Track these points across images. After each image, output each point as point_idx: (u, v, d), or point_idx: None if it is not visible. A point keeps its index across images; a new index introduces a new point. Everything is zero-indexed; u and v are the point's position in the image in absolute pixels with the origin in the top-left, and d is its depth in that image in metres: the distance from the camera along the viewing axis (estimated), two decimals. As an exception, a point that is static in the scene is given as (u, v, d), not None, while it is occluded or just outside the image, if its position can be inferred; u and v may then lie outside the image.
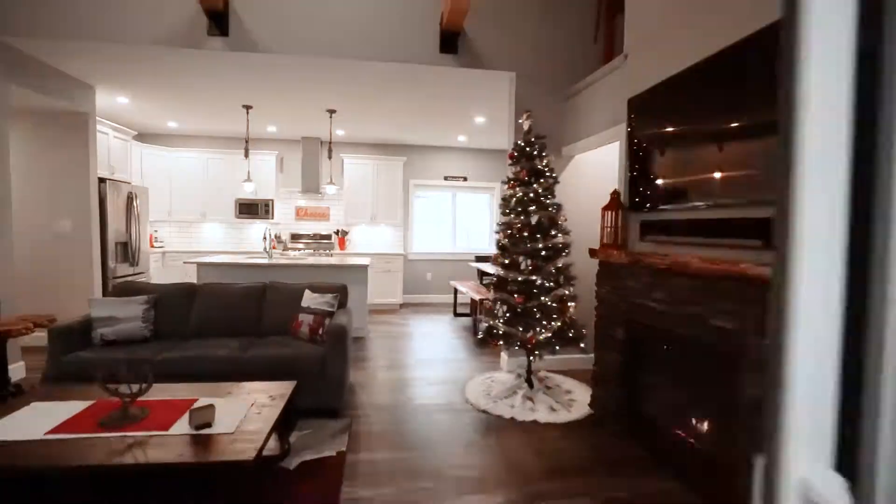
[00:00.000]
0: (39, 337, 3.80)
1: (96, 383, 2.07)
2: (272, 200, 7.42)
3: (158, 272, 6.87)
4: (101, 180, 5.18)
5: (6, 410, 2.27)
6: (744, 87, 2.09)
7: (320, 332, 3.43)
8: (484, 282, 6.74)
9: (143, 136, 7.32)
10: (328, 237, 7.83)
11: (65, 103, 4.58)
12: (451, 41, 4.07)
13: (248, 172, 6.76)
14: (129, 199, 5.69)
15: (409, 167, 8.05)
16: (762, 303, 1.97)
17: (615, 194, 3.22)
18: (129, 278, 5.67)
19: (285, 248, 7.45)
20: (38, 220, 4.84)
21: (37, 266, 4.88)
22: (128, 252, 5.69)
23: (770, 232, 1.94)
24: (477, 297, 5.61)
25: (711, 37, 2.31)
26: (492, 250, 8.42)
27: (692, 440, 2.61)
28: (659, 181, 2.84)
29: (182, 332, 3.57)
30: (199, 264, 5.20)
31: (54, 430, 1.99)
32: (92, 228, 4.94)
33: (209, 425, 2.05)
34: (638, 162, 3.02)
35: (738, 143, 2.15)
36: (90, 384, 2.31)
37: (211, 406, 2.09)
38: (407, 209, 8.12)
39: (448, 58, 4.11)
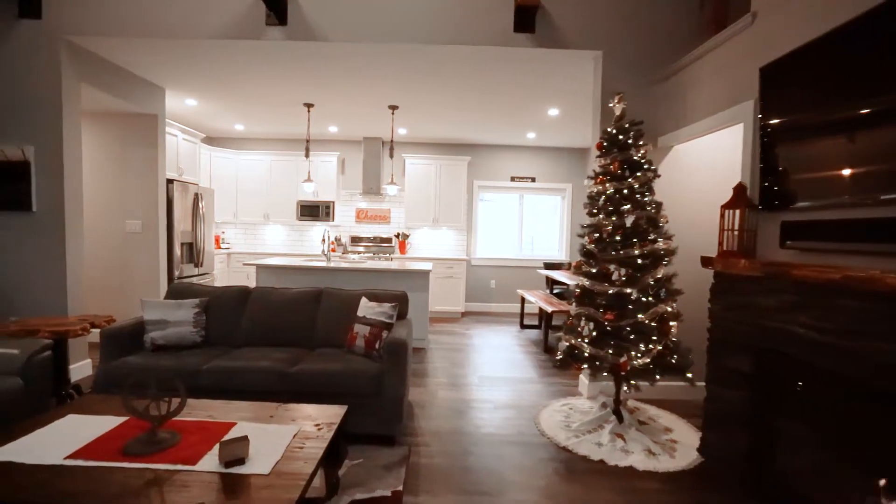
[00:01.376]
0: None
1: (125, 399, 1.80)
2: (333, 202, 7.27)
3: (223, 274, 6.91)
4: (169, 181, 5.21)
5: (43, 421, 2.07)
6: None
7: (377, 345, 3.05)
8: (555, 291, 6.14)
9: (212, 140, 7.47)
10: (388, 240, 7.57)
11: (136, 105, 4.60)
12: (527, 18, 3.57)
13: (308, 172, 6.64)
14: (196, 200, 5.70)
15: (473, 167, 7.61)
16: None
17: (739, 189, 2.56)
18: (194, 279, 5.68)
19: (345, 251, 7.27)
20: (107, 219, 4.92)
21: (106, 265, 4.95)
22: (193, 253, 5.70)
23: None
24: (548, 309, 5.03)
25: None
26: (563, 257, 7.80)
27: (862, 518, 1.91)
28: (811, 171, 2.16)
29: (232, 339, 3.33)
30: (258, 267, 5.06)
31: (74, 455, 1.73)
32: (159, 229, 4.96)
33: (242, 462, 1.70)
34: (773, 147, 2.35)
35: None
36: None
37: (245, 439, 1.73)
38: (470, 212, 7.68)
39: (523, 38, 3.62)
